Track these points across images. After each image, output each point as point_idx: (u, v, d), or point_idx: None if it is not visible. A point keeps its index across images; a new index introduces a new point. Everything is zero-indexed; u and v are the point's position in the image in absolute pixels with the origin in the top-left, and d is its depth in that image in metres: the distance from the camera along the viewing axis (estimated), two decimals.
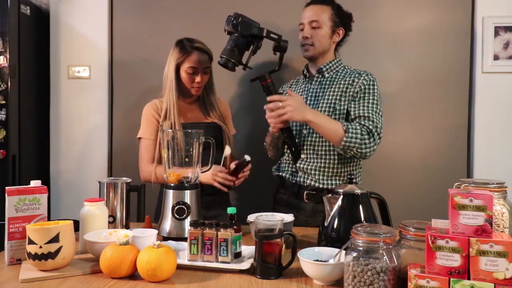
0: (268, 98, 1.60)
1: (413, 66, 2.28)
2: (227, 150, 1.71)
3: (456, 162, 2.27)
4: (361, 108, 1.65)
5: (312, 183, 1.72)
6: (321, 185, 1.71)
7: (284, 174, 1.82)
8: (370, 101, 1.66)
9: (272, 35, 1.61)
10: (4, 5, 2.13)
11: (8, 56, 2.14)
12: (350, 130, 1.57)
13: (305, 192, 1.72)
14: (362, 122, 1.62)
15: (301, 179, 1.74)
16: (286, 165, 1.83)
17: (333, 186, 1.70)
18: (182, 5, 2.36)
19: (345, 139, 1.57)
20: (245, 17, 1.59)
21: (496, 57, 2.23)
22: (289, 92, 1.60)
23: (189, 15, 2.36)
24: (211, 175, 1.66)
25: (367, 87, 1.68)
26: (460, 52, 2.26)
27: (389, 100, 2.27)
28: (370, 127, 1.60)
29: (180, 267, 1.15)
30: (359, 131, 1.58)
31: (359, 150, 1.59)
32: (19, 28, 2.21)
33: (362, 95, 1.67)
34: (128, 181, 1.54)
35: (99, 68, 2.40)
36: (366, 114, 1.63)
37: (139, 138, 1.85)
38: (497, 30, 2.22)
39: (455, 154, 2.28)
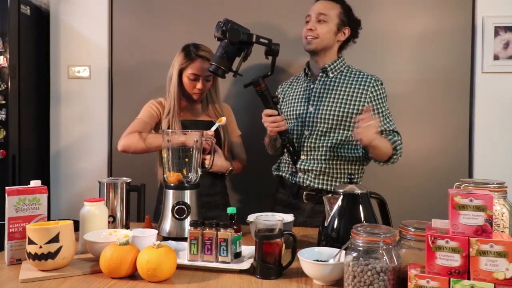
0: (267, 112, 1.62)
1: (413, 67, 2.28)
2: (223, 120, 1.78)
3: (457, 162, 2.27)
4: (382, 122, 1.68)
5: (312, 184, 1.71)
6: (320, 186, 1.71)
7: (283, 174, 1.82)
8: (384, 110, 1.70)
9: (261, 40, 1.60)
10: (4, 5, 2.13)
11: (8, 56, 2.14)
12: (398, 148, 1.64)
13: (305, 192, 1.72)
14: (390, 137, 1.66)
15: (301, 180, 1.74)
16: (286, 165, 1.82)
17: (333, 187, 1.70)
18: (182, 6, 2.36)
19: (393, 157, 1.65)
20: (234, 23, 1.59)
21: (496, 57, 2.23)
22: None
23: (189, 15, 2.36)
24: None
25: (379, 95, 1.70)
26: (460, 52, 2.26)
27: (390, 101, 2.25)
28: (399, 140, 1.67)
29: (180, 267, 1.15)
30: (400, 145, 1.65)
31: (393, 162, 1.68)
32: (19, 28, 2.21)
33: (377, 106, 1.69)
34: (128, 181, 1.54)
35: (99, 68, 2.40)
36: (390, 128, 1.69)
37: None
38: (497, 30, 2.22)
39: (456, 154, 2.28)
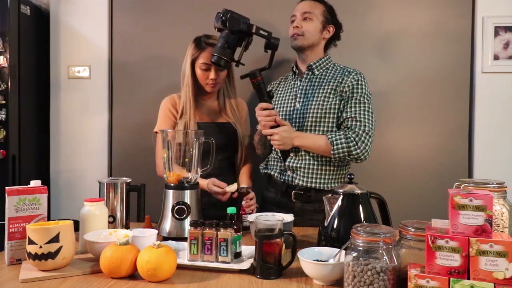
0: (262, 105, 1.62)
1: (413, 67, 2.28)
2: (233, 186, 1.67)
3: (457, 162, 2.27)
4: (349, 109, 1.68)
5: (300, 182, 1.72)
6: (309, 184, 1.71)
7: (272, 173, 1.82)
8: (358, 100, 1.68)
9: (261, 31, 1.60)
10: (4, 5, 2.13)
11: (8, 56, 2.14)
12: (335, 142, 1.62)
13: (293, 191, 1.73)
14: (350, 124, 1.65)
15: (290, 178, 1.75)
16: (274, 163, 1.83)
17: (321, 185, 1.71)
18: (182, 5, 2.36)
19: (332, 152, 1.63)
20: (234, 13, 1.58)
21: (496, 57, 2.23)
22: (278, 121, 1.62)
23: (189, 15, 2.35)
24: (206, 183, 1.68)
25: (355, 86, 1.69)
26: (460, 52, 2.26)
27: (389, 101, 2.27)
28: (357, 129, 1.63)
29: (180, 267, 1.15)
30: (343, 140, 1.62)
31: (350, 156, 1.64)
32: (19, 28, 2.21)
33: (350, 95, 1.69)
34: (128, 181, 1.54)
35: (99, 68, 2.40)
36: (353, 115, 1.66)
37: (156, 132, 1.86)
38: (497, 30, 2.22)
39: (456, 154, 2.28)
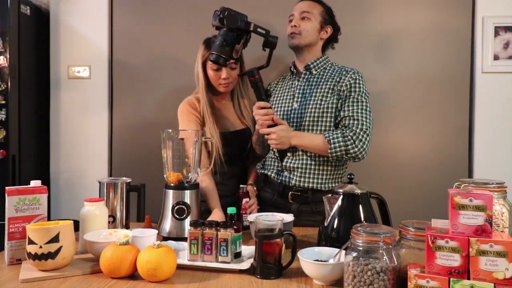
0: (260, 104, 1.62)
1: (413, 66, 2.28)
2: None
3: (457, 162, 2.27)
4: (346, 108, 1.68)
5: (297, 183, 1.72)
6: (306, 184, 1.71)
7: (269, 173, 1.82)
8: (355, 99, 1.68)
9: (259, 29, 1.60)
10: (4, 5, 2.13)
11: (8, 56, 2.14)
12: (332, 141, 1.62)
13: (290, 192, 1.73)
14: (348, 123, 1.65)
15: (286, 179, 1.74)
16: (271, 163, 1.82)
17: (318, 186, 1.71)
18: (182, 5, 2.36)
19: (329, 151, 1.63)
20: (231, 10, 1.57)
21: (496, 57, 2.23)
22: (276, 120, 1.62)
23: (189, 15, 2.35)
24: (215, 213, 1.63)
25: (352, 84, 1.69)
26: (460, 52, 2.26)
27: (389, 101, 2.27)
28: (355, 128, 1.63)
29: (180, 267, 1.15)
30: (341, 139, 1.62)
31: (348, 155, 1.63)
32: (19, 28, 2.21)
33: (348, 94, 1.69)
34: (128, 181, 1.54)
35: (99, 68, 2.40)
36: (351, 114, 1.66)
37: (182, 139, 1.75)
38: (497, 30, 2.22)
39: (456, 154, 2.28)
